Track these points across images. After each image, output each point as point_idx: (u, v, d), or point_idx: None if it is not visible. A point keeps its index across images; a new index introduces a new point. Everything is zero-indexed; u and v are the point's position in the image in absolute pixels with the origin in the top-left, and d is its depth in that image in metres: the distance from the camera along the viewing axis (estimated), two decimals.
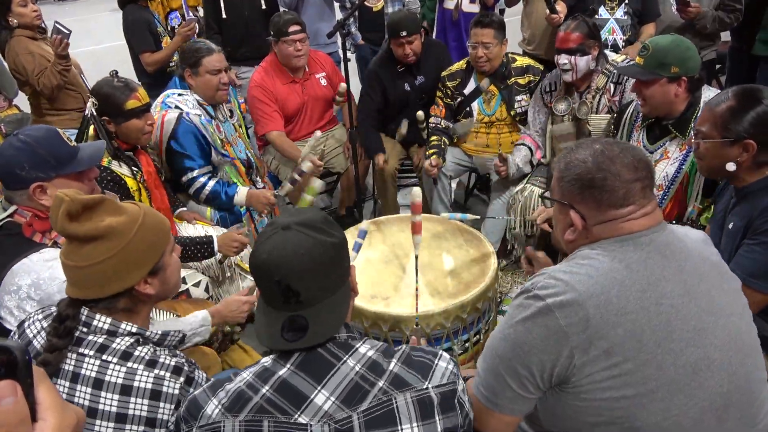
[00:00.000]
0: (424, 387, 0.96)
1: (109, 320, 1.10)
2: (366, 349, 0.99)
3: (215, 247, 2.02)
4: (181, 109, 2.30)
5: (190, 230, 2.22)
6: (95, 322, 1.09)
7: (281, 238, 0.98)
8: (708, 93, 1.93)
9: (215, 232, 2.19)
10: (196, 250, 2.00)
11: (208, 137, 2.35)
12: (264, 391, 0.95)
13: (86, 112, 1.94)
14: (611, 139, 1.15)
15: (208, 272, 2.20)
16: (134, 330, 1.12)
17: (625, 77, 2.34)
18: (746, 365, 1.05)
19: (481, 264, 1.96)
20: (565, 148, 1.16)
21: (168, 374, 1.09)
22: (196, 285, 2.07)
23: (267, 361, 1.00)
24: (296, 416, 0.92)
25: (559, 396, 1.05)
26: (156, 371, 1.09)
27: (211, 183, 2.38)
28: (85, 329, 1.09)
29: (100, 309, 1.10)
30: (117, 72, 2.06)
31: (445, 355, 1.05)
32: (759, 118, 1.41)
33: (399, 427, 0.92)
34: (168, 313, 1.72)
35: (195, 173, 2.34)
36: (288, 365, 0.97)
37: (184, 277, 2.04)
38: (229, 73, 2.48)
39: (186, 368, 1.12)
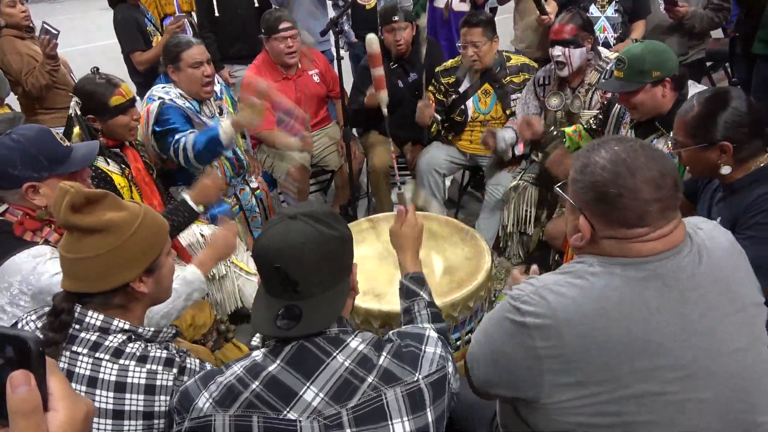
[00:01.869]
0: (414, 379, 0.97)
1: (101, 317, 1.10)
2: (357, 343, 1.00)
3: (191, 204, 1.96)
4: (163, 98, 2.28)
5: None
6: (87, 319, 1.09)
7: (286, 227, 1.00)
8: (695, 90, 1.94)
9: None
10: (179, 217, 1.94)
11: (194, 118, 2.32)
12: (254, 386, 0.95)
13: (70, 111, 1.91)
14: (638, 143, 1.03)
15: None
16: (126, 327, 1.13)
17: None
18: (749, 399, 0.96)
19: (475, 262, 1.96)
20: (586, 145, 1.08)
21: (160, 367, 1.10)
22: None
23: (257, 355, 1.01)
24: (285, 412, 0.93)
25: (533, 409, 1.03)
26: (148, 366, 1.09)
27: (190, 136, 2.23)
28: (77, 326, 1.09)
29: (93, 305, 1.11)
30: (98, 69, 2.03)
31: (432, 335, 1.06)
32: (729, 121, 1.45)
33: (389, 422, 0.93)
34: None
35: (177, 136, 2.23)
36: (278, 361, 0.97)
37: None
38: (222, 72, 2.46)
39: (177, 359, 1.13)
